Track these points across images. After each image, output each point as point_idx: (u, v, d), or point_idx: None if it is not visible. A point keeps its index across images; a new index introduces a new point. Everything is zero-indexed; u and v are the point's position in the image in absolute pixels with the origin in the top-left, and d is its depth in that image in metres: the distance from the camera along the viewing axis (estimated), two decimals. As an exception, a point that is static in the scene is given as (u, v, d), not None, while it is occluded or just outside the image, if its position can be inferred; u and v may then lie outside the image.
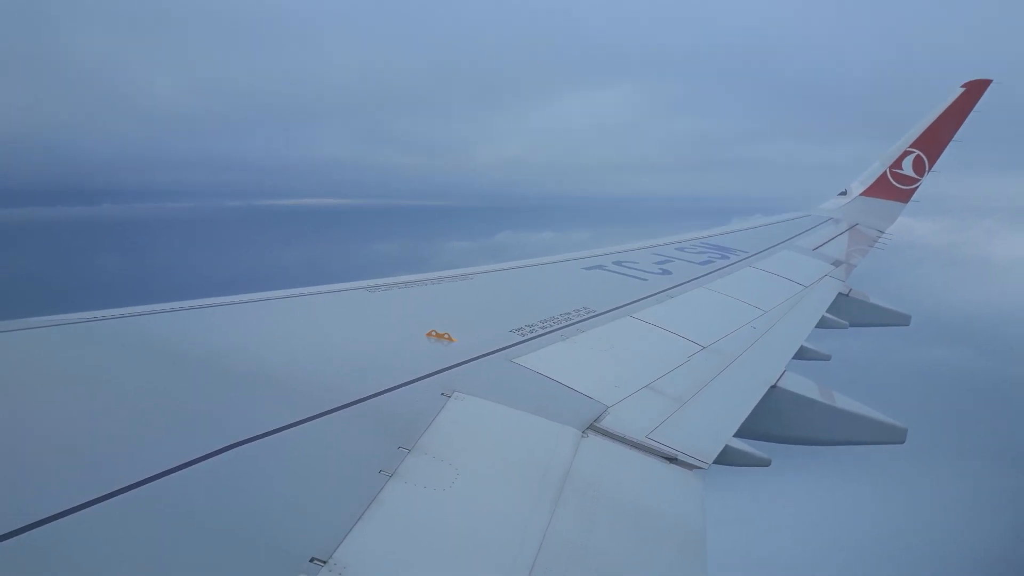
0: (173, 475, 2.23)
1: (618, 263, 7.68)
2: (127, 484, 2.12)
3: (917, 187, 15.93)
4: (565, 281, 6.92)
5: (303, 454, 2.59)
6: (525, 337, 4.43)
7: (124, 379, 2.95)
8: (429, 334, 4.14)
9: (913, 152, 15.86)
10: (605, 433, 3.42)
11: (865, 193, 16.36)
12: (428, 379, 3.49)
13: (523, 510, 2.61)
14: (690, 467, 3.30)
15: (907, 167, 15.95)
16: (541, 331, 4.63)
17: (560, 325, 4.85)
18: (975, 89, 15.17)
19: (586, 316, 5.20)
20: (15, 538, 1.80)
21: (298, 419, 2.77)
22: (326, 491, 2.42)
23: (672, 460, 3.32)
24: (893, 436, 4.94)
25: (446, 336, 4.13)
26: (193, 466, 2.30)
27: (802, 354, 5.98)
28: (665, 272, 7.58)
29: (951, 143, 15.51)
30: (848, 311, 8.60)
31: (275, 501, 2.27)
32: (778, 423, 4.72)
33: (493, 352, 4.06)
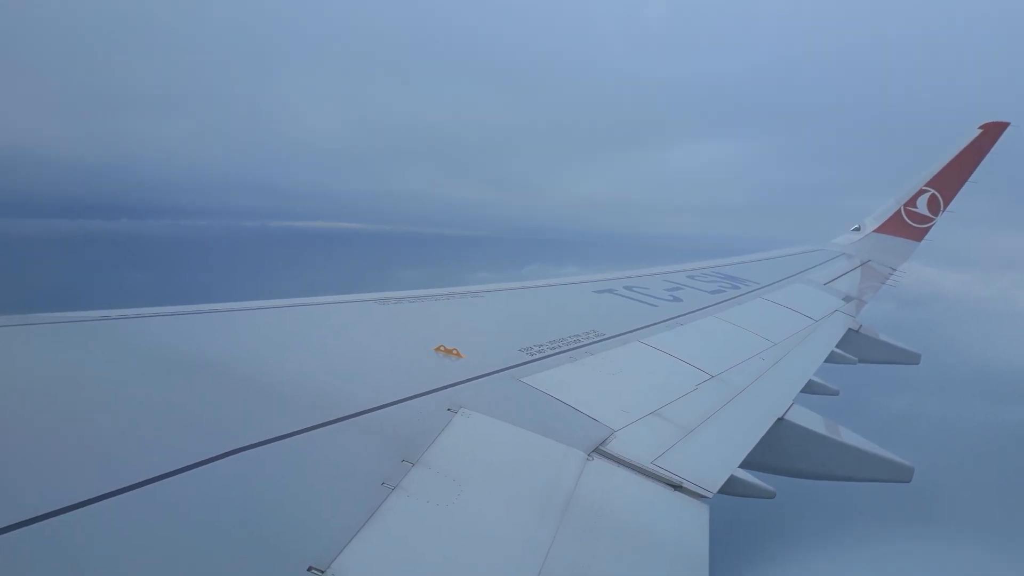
0: (175, 477, 2.23)
1: (629, 288, 7.67)
2: (126, 485, 2.12)
3: (931, 226, 15.90)
4: (575, 303, 6.92)
5: (306, 462, 2.59)
6: (533, 357, 4.43)
7: (131, 379, 2.95)
8: (437, 349, 4.15)
9: (928, 191, 15.85)
10: (611, 457, 3.40)
11: (879, 230, 16.34)
12: (434, 394, 3.49)
13: (525, 530, 2.59)
14: (695, 495, 3.28)
15: (922, 206, 15.93)
16: (550, 351, 4.62)
17: (569, 347, 4.84)
18: (992, 131, 15.17)
19: (595, 339, 5.20)
20: (16, 531, 1.81)
21: (303, 427, 2.77)
22: (328, 500, 2.41)
23: (677, 487, 3.30)
24: (899, 475, 4.90)
25: (454, 352, 4.13)
26: (196, 469, 2.30)
27: (810, 388, 5.95)
28: (676, 299, 7.57)
29: (967, 184, 15.50)
30: (858, 347, 8.57)
31: (276, 508, 2.26)
32: (784, 456, 4.69)
33: (501, 370, 4.06)
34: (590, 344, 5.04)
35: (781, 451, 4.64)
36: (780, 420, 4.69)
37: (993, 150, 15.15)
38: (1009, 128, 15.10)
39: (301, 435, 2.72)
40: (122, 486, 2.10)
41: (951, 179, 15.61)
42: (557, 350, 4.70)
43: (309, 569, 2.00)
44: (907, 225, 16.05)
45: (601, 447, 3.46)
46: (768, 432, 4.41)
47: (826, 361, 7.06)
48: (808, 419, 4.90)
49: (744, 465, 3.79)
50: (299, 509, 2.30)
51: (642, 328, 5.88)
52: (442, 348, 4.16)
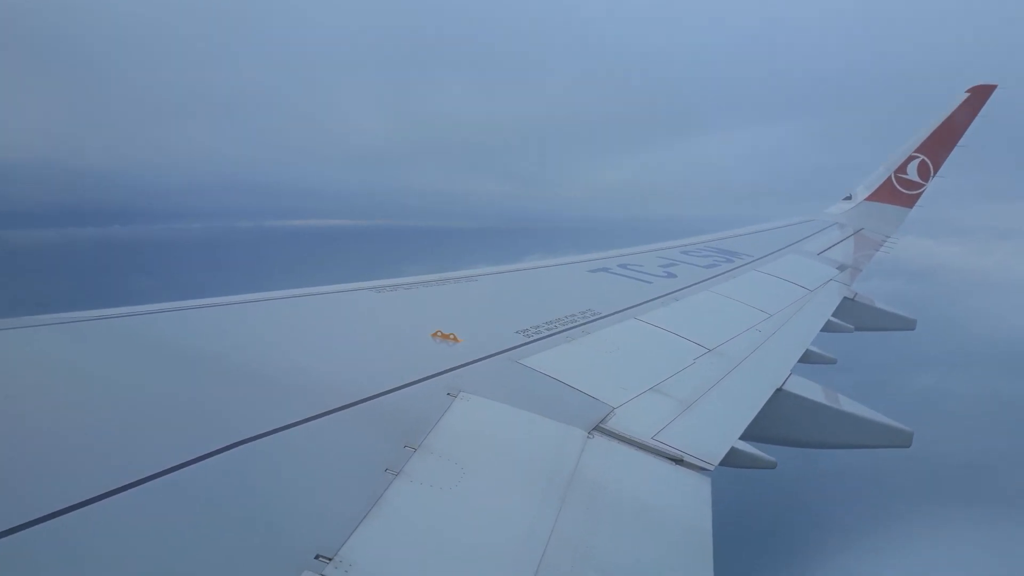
0: (181, 471, 2.23)
1: (623, 266, 7.68)
2: (134, 479, 2.12)
3: (922, 192, 15.90)
4: (570, 283, 6.92)
5: (309, 452, 2.59)
6: (531, 338, 4.44)
7: (133, 376, 2.95)
8: (435, 334, 4.15)
9: (918, 157, 15.83)
10: (611, 434, 3.42)
11: (870, 198, 16.33)
12: (434, 379, 3.49)
13: (529, 510, 2.61)
14: (696, 468, 3.29)
15: (912, 172, 15.92)
16: (547, 332, 4.63)
17: (565, 327, 4.85)
18: (980, 94, 15.13)
19: (591, 318, 5.20)
20: (19, 533, 1.81)
21: (304, 417, 2.77)
22: (332, 489, 2.42)
23: (678, 461, 3.31)
24: (899, 440, 4.93)
25: (452, 336, 4.13)
26: (201, 462, 2.30)
27: (808, 358, 5.98)
28: (670, 275, 7.58)
29: (956, 148, 15.48)
30: (854, 315, 8.59)
31: (281, 498, 2.27)
32: (784, 426, 4.71)
33: (499, 353, 4.06)
34: (586, 323, 5.05)
35: (781, 421, 4.66)
36: (779, 390, 4.71)
37: (982, 112, 15.13)
38: (997, 90, 15.08)
39: (303, 425, 2.72)
40: (130, 481, 2.11)
41: (940, 144, 15.59)
42: (554, 331, 4.70)
43: (316, 557, 2.00)
44: (898, 192, 16.05)
45: (601, 424, 3.48)
46: (767, 403, 4.43)
47: (823, 330, 7.08)
48: (807, 388, 4.93)
49: (744, 437, 3.81)
50: (304, 498, 2.31)
51: (638, 305, 5.88)
52: (440, 333, 4.16)
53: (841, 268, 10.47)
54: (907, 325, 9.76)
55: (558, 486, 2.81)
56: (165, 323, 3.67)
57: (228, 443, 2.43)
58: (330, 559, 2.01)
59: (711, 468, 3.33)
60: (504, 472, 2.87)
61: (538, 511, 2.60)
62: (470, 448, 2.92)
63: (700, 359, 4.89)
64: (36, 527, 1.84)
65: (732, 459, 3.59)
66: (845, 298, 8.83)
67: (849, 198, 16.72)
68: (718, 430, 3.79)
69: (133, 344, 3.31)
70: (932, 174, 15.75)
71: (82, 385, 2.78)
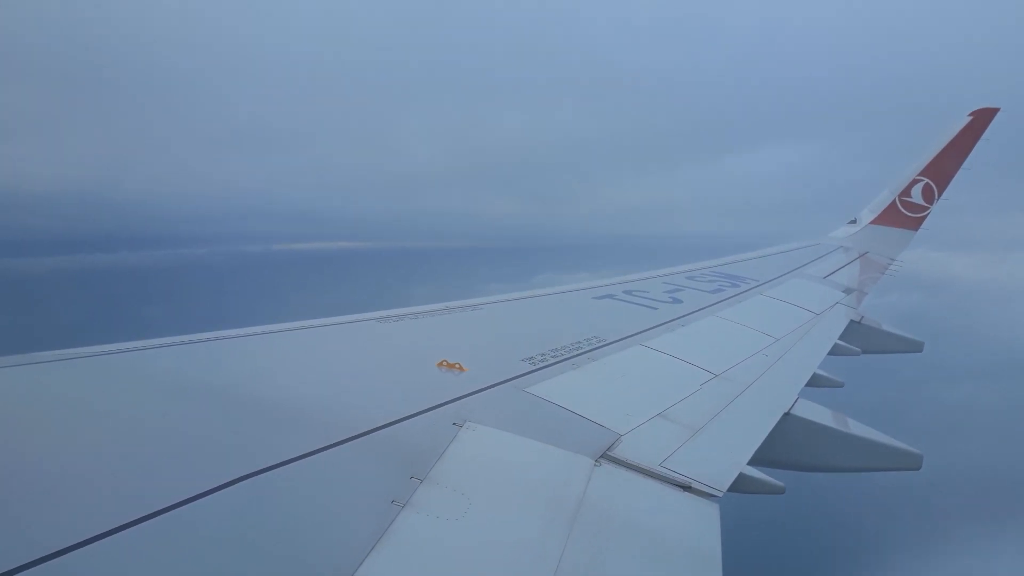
0: (189, 505, 2.23)
1: (628, 292, 7.69)
2: (143, 514, 2.12)
3: (927, 215, 15.92)
4: (575, 310, 6.93)
5: (316, 484, 2.59)
6: (536, 366, 4.44)
7: (142, 409, 2.96)
8: (440, 364, 4.15)
9: (922, 180, 15.87)
10: (618, 461, 3.41)
11: (875, 221, 16.36)
12: (439, 409, 3.49)
13: (537, 540, 2.60)
14: (704, 495, 3.28)
15: (916, 195, 15.96)
16: (552, 360, 4.63)
17: (571, 354, 4.85)
18: (982, 117, 15.20)
19: (597, 345, 5.20)
20: (33, 568, 1.81)
21: (310, 450, 2.77)
22: (338, 521, 2.41)
23: (686, 488, 3.30)
24: (909, 463, 4.89)
25: (457, 366, 4.14)
26: (206, 497, 2.30)
27: (815, 381, 5.95)
28: (676, 300, 7.58)
29: (960, 171, 15.52)
30: (860, 338, 8.57)
31: (287, 532, 2.27)
32: (792, 450, 4.68)
33: (504, 381, 4.06)
34: (592, 350, 5.05)
35: (789, 446, 4.64)
36: (787, 415, 4.69)
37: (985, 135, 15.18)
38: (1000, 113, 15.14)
39: (309, 457, 2.72)
40: (139, 516, 2.11)
41: (944, 167, 15.64)
42: (560, 358, 4.71)
43: None
44: (903, 215, 16.08)
45: (608, 452, 3.47)
46: (775, 427, 4.41)
47: (830, 354, 7.06)
48: (815, 412, 4.90)
49: (753, 462, 3.79)
50: (311, 531, 2.30)
51: (643, 331, 5.89)
52: (445, 363, 4.16)
53: (847, 291, 10.46)
54: (914, 347, 9.72)
55: (566, 515, 2.79)
56: (173, 356, 3.69)
57: (235, 477, 2.44)
58: None
59: (720, 494, 3.31)
60: (511, 502, 2.87)
61: (546, 540, 2.59)
62: (477, 478, 2.91)
63: (707, 384, 4.88)
64: (48, 563, 1.85)
65: (740, 485, 3.57)
66: (852, 321, 8.81)
67: (854, 222, 16.74)
68: (726, 456, 3.77)
69: (142, 378, 3.33)
70: (937, 197, 15.78)
71: (89, 420, 2.79)
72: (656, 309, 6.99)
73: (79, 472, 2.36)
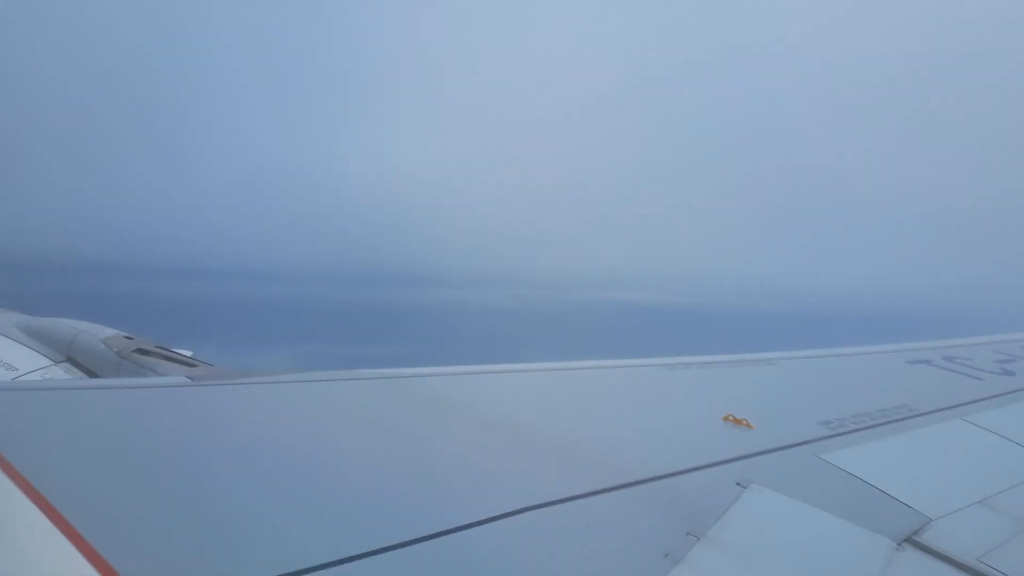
0: (461, 533, 2.38)
1: (949, 359, 6.83)
2: (416, 536, 2.30)
3: None
4: (884, 374, 6.31)
5: (590, 527, 2.63)
6: (835, 432, 4.11)
7: (428, 432, 3.27)
8: (726, 418, 4.02)
9: None
10: (926, 549, 3.02)
11: None
12: (722, 466, 3.38)
13: None
14: None
15: None
16: (853, 427, 4.26)
17: (876, 422, 4.42)
18: None
19: (908, 415, 4.69)
20: (322, 571, 2.05)
21: (587, 491, 2.82)
22: (609, 568, 2.42)
23: None
24: None
25: (744, 422, 3.97)
26: (481, 526, 2.44)
27: None
28: (1007, 372, 6.58)
29: None
30: None
31: (555, 570, 2.32)
32: None
33: (797, 444, 3.82)
34: (901, 420, 4.56)
35: None
36: None
37: None
38: None
39: (585, 499, 2.77)
40: (412, 538, 2.30)
41: None
42: (862, 425, 4.31)
43: None
44: None
45: (914, 537, 3.09)
46: None
47: None
48: None
49: None
50: (580, 573, 2.34)
51: (965, 404, 5.18)
52: (731, 417, 4.02)
53: None
54: None
55: None
56: (467, 384, 4.00)
57: (512, 509, 2.56)
58: None
59: None
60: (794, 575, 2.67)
61: None
62: (758, 544, 2.76)
63: None
64: (341, 566, 2.08)
65: None
66: None
67: None
68: None
69: (439, 401, 3.66)
70: None
71: (385, 436, 3.14)
72: (982, 380, 6.12)
73: (369, 489, 2.65)
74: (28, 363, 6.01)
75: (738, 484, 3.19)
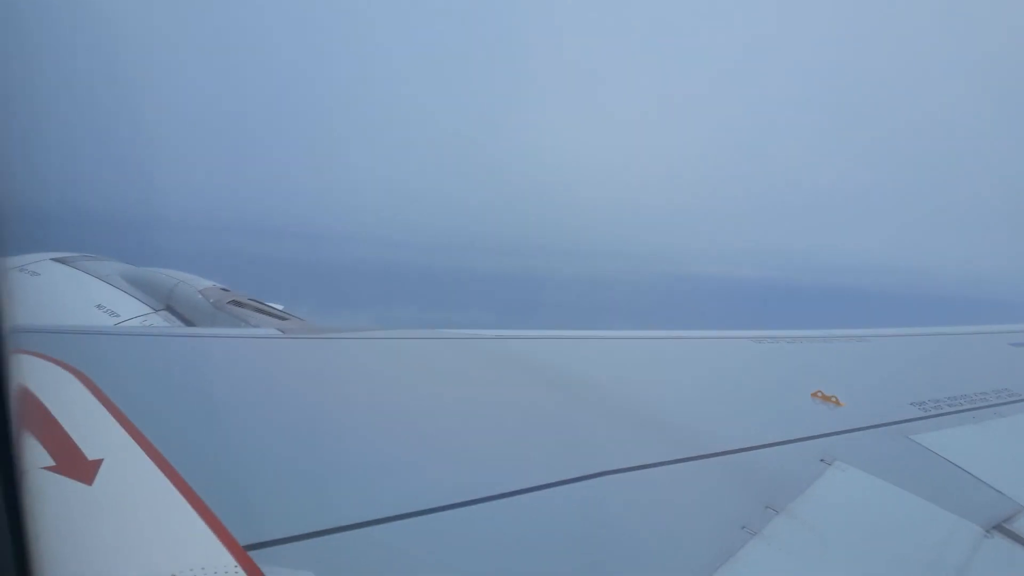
0: (544, 491, 2.41)
1: None
2: (506, 490, 2.34)
3: None
4: (984, 356, 6.02)
5: (668, 495, 2.62)
6: (927, 413, 3.95)
7: (520, 392, 3.30)
8: (814, 394, 3.91)
9: None
10: (1015, 537, 2.88)
11: None
12: (807, 442, 3.30)
13: None
14: None
15: None
16: (948, 409, 4.08)
17: (973, 405, 4.22)
18: None
19: (1008, 399, 4.46)
20: (406, 520, 2.10)
21: (666, 459, 2.81)
22: (684, 536, 2.40)
23: None
24: None
25: (833, 399, 3.86)
26: (563, 486, 2.46)
27: None
28: None
29: None
30: None
31: (632, 536, 2.32)
32: None
33: (886, 424, 3.69)
34: (1001, 404, 4.34)
35: None
36: None
37: None
38: None
39: (666, 466, 2.76)
40: (504, 491, 2.34)
41: None
42: (958, 408, 4.13)
43: None
44: None
45: (1004, 524, 2.95)
46: None
47: None
48: None
49: None
50: (656, 539, 2.33)
51: None
52: (819, 394, 3.91)
53: None
54: None
55: None
56: (557, 349, 4.03)
57: (592, 472, 2.57)
58: None
59: None
60: (877, 556, 2.59)
61: None
62: (840, 523, 2.69)
63: None
64: (416, 518, 2.13)
65: None
66: None
67: None
68: None
69: (528, 364, 3.69)
70: None
71: (470, 395, 3.19)
72: None
73: (460, 442, 2.70)
74: (130, 310, 6.34)
75: (822, 461, 3.11)
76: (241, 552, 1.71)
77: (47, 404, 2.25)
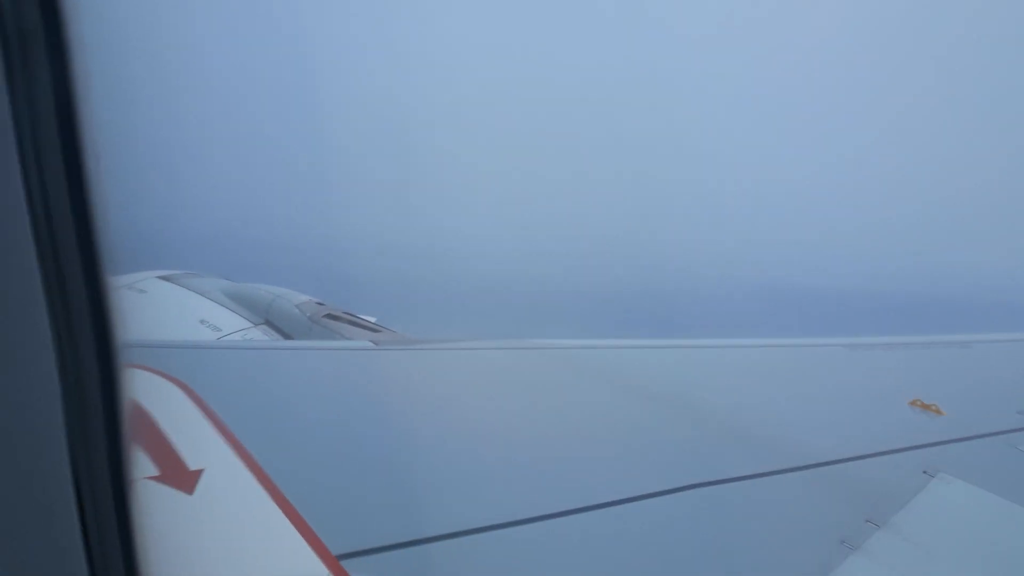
0: (636, 503, 2.39)
1: None
2: (592, 504, 2.34)
3: None
4: None
5: (764, 507, 2.57)
6: None
7: (610, 404, 3.29)
8: (913, 403, 3.76)
9: None
10: None
11: None
12: (907, 452, 3.18)
13: None
14: None
15: None
16: None
17: None
18: None
19: None
20: (492, 532, 2.12)
21: (761, 471, 2.75)
22: (781, 550, 2.36)
23: None
24: None
25: (933, 408, 3.70)
26: (655, 498, 2.44)
27: None
28: None
29: None
30: None
31: (726, 550, 2.29)
32: None
33: (992, 434, 3.52)
34: None
35: None
36: None
37: None
38: None
39: (760, 478, 2.71)
40: (585, 505, 2.34)
41: None
42: None
43: None
44: None
45: None
46: None
47: None
48: None
49: None
50: (751, 554, 2.29)
51: None
52: (919, 402, 3.76)
53: None
54: None
55: None
56: (645, 359, 4.00)
57: (688, 483, 2.54)
58: None
59: None
60: (983, 573, 2.47)
61: None
62: (945, 538, 2.58)
63: None
64: (515, 528, 2.15)
65: None
66: None
67: None
68: None
69: (617, 375, 3.68)
70: None
71: (559, 406, 3.19)
72: None
73: (547, 454, 2.71)
74: (230, 325, 6.61)
75: (925, 473, 2.99)
76: (333, 561, 1.77)
77: (153, 415, 2.38)
